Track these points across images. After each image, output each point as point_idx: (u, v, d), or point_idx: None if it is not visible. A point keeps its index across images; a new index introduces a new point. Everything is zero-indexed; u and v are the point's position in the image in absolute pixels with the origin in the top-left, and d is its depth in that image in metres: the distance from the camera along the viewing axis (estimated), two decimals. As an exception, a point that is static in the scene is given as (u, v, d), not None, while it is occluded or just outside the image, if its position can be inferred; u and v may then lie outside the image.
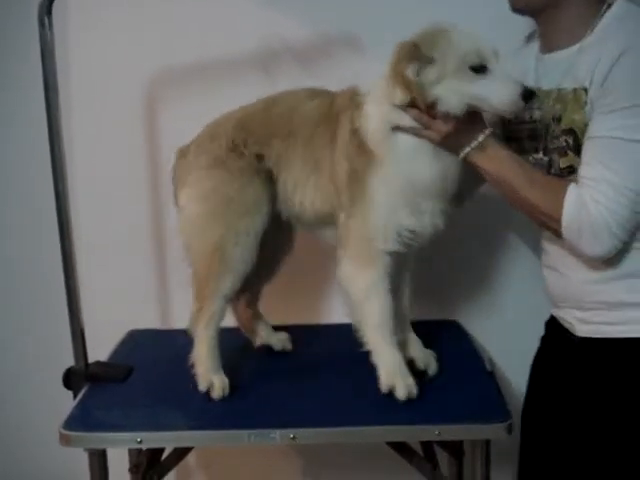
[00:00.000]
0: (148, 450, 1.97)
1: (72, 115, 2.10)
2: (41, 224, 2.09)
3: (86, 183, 2.17)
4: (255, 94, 1.92)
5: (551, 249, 1.75)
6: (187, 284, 2.27)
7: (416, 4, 2.12)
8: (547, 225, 1.62)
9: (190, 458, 2.14)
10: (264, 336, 2.05)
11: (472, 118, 1.59)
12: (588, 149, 1.56)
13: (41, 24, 1.75)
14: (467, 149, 1.60)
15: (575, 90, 1.61)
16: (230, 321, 2.04)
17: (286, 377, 1.88)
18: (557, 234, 1.59)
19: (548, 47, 1.71)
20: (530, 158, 1.74)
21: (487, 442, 1.70)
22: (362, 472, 2.38)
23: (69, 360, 1.91)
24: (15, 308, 2.36)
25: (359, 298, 1.72)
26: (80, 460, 1.74)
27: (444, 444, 2.00)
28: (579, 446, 1.69)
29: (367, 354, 1.75)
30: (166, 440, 1.73)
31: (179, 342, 2.13)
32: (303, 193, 1.77)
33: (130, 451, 2.09)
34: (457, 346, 2.03)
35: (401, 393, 1.68)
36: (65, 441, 1.64)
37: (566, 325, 1.77)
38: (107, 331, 2.12)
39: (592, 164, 1.53)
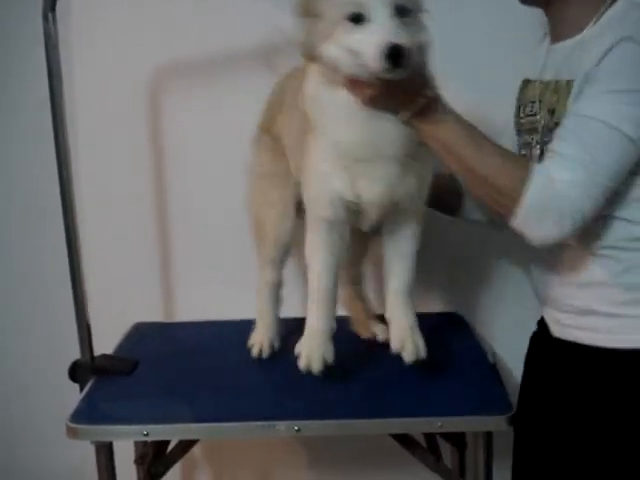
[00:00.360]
0: (154, 442, 1.99)
1: (75, 112, 2.10)
2: (45, 219, 2.10)
3: (90, 179, 2.18)
4: (258, 89, 1.94)
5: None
6: (191, 277, 2.32)
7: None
8: (499, 204, 1.48)
9: (195, 449, 2.15)
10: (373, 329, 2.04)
11: (413, 80, 1.43)
12: (568, 125, 1.46)
13: (45, 19, 1.76)
14: (407, 113, 1.46)
15: (568, 82, 1.55)
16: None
17: (290, 369, 1.89)
18: (506, 214, 1.47)
19: (555, 38, 1.68)
20: (528, 152, 1.70)
21: (489, 434, 1.71)
22: (365, 464, 2.40)
23: (74, 353, 1.93)
24: (20, 301, 2.38)
25: (306, 262, 1.72)
26: (86, 452, 1.75)
27: (447, 436, 2.02)
28: (563, 445, 1.68)
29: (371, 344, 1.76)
30: (172, 433, 1.75)
31: (184, 335, 2.18)
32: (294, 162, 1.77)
33: (136, 443, 2.10)
34: (459, 338, 2.04)
35: (302, 364, 1.67)
36: (72, 434, 1.66)
37: (548, 324, 1.78)
38: (111, 324, 2.13)
39: (569, 141, 1.43)
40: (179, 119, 2.21)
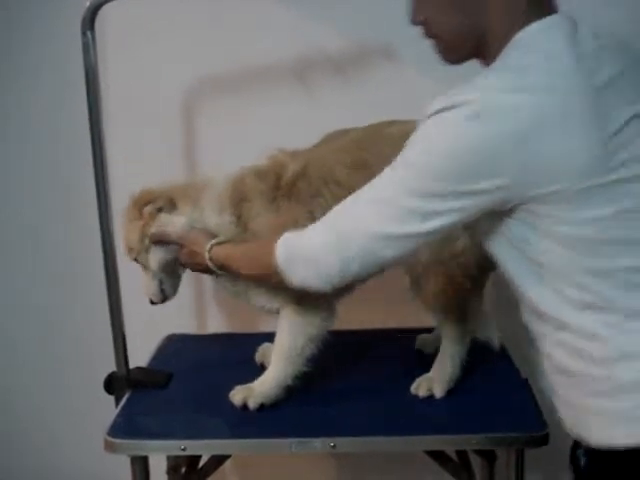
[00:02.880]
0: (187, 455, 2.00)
1: (109, 128, 2.13)
2: (83, 232, 2.13)
3: (124, 192, 2.19)
4: (292, 104, 1.95)
5: None
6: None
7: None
8: (275, 279, 1.51)
9: (226, 462, 2.16)
10: None
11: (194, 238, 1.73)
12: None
13: (84, 35, 1.79)
14: (206, 263, 1.69)
15: None
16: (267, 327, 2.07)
17: (325, 384, 1.91)
18: (283, 281, 1.49)
19: None
20: None
21: (521, 449, 1.71)
22: (396, 477, 2.40)
23: (106, 365, 1.96)
24: (55, 312, 2.40)
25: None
26: (119, 461, 1.78)
27: (478, 450, 2.02)
28: None
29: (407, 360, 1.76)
30: (210, 448, 1.77)
31: (217, 347, 2.19)
32: None
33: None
34: (492, 355, 2.04)
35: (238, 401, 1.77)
36: (110, 448, 1.68)
37: None
38: (142, 335, 2.14)
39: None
40: (213, 133, 2.23)
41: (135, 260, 1.84)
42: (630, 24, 2.11)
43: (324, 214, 1.58)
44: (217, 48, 2.18)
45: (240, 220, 1.76)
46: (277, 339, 1.83)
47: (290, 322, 1.80)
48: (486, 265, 1.82)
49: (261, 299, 1.83)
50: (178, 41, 2.19)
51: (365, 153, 1.76)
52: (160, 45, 2.19)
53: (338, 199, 1.63)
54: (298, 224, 1.67)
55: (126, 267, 1.99)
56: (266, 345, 2.03)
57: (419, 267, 1.82)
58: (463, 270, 1.81)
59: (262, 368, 1.92)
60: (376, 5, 2.13)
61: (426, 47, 2.12)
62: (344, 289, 1.74)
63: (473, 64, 2.12)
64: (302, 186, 1.75)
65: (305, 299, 1.75)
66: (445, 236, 1.56)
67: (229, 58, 2.18)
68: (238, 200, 1.77)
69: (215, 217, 1.77)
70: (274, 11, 2.14)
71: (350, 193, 1.59)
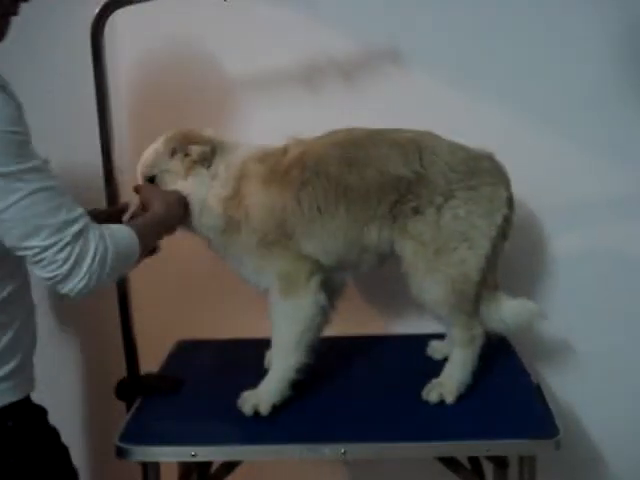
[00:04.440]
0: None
1: (121, 131, 2.14)
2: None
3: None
4: (299, 108, 1.96)
5: None
6: (234, 293, 2.33)
7: (461, 19, 2.14)
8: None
9: (237, 468, 2.16)
10: None
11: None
12: None
13: (93, 42, 1.80)
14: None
15: None
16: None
17: (336, 390, 1.91)
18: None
19: None
20: None
21: (534, 455, 1.70)
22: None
23: (117, 371, 1.96)
24: (65, 317, 2.40)
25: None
26: (130, 467, 1.78)
27: (490, 456, 2.01)
28: None
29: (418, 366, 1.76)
30: (220, 454, 1.77)
31: (227, 353, 2.19)
32: None
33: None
34: (503, 360, 2.03)
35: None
36: (121, 454, 1.69)
37: None
38: (153, 341, 2.15)
39: None
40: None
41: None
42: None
43: (310, 203, 1.78)
44: (225, 52, 2.18)
45: (237, 195, 1.82)
46: (272, 333, 1.86)
47: (279, 311, 1.85)
48: (491, 270, 1.86)
49: (245, 271, 1.89)
50: (186, 48, 2.20)
51: (359, 152, 1.82)
52: (168, 51, 2.20)
53: (325, 190, 1.79)
54: (286, 209, 1.80)
55: (137, 272, 1.99)
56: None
57: (418, 276, 1.84)
58: (464, 278, 1.82)
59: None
60: (383, 10, 2.14)
61: (434, 52, 2.15)
62: (322, 270, 1.84)
63: (472, 71, 2.15)
64: (295, 173, 1.81)
65: (286, 279, 1.83)
66: (439, 247, 1.78)
67: (238, 62, 2.18)
68: (240, 177, 1.83)
69: (219, 188, 1.84)
70: (282, 16, 2.15)
71: (337, 187, 1.78)
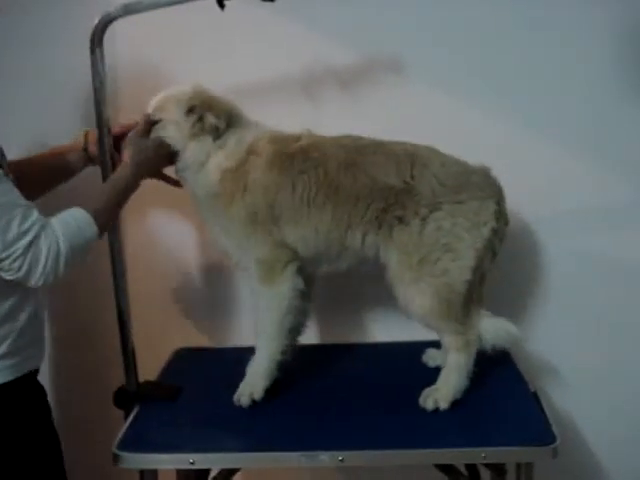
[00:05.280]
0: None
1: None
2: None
3: (132, 203, 2.21)
4: (298, 118, 1.96)
5: None
6: (233, 302, 2.34)
7: (460, 29, 2.15)
8: None
9: (235, 475, 2.16)
10: None
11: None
12: None
13: (92, 53, 1.80)
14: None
15: None
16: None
17: (332, 397, 1.91)
18: None
19: None
20: None
21: (531, 462, 1.71)
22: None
23: (115, 379, 1.96)
24: (64, 325, 2.41)
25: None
26: (128, 475, 1.79)
27: (488, 464, 2.01)
28: None
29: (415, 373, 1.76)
30: (218, 461, 1.77)
31: (226, 361, 2.19)
32: None
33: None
34: (501, 367, 2.03)
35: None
36: (119, 462, 1.69)
37: None
38: (152, 349, 2.15)
39: None
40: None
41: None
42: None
43: (302, 192, 1.85)
44: (224, 62, 2.19)
45: (240, 168, 1.87)
46: (256, 320, 1.94)
47: (259, 298, 1.92)
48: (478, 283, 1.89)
49: (229, 244, 1.93)
50: (186, 55, 2.20)
51: (360, 157, 1.87)
52: (168, 60, 2.21)
53: (319, 184, 1.85)
54: (279, 192, 1.86)
55: (136, 280, 2.00)
56: None
57: (403, 285, 1.85)
58: (449, 289, 1.83)
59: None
60: (383, 20, 2.15)
61: (433, 62, 2.16)
62: (299, 260, 1.90)
63: (471, 80, 2.16)
64: (297, 161, 1.87)
65: (264, 265, 1.89)
66: (422, 257, 1.82)
67: (237, 72, 2.19)
68: (248, 152, 1.88)
69: (223, 158, 1.88)
70: (281, 25, 2.15)
71: (330, 184, 1.84)
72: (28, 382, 1.70)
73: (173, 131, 1.89)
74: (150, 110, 1.91)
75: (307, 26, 2.16)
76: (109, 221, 1.78)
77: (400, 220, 1.84)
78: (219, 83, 2.14)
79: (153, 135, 1.89)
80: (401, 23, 2.17)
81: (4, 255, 1.52)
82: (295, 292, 1.89)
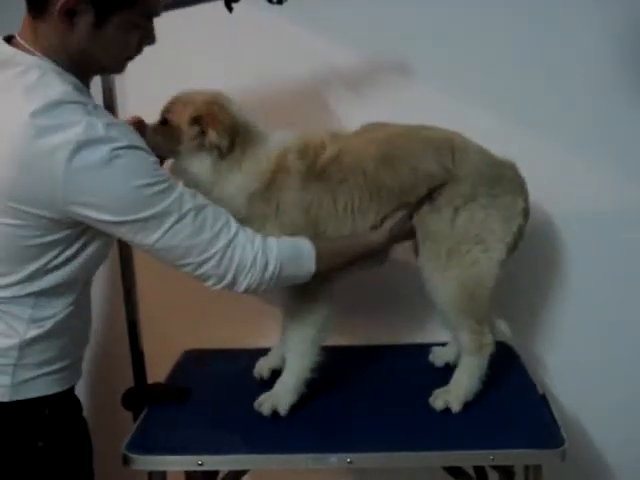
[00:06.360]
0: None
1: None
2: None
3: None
4: (305, 120, 1.96)
5: None
6: (241, 304, 2.34)
7: (466, 31, 2.15)
8: None
9: (244, 477, 2.17)
10: None
11: None
12: None
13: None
14: None
15: None
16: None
17: (340, 399, 1.91)
18: None
19: None
20: None
21: (539, 465, 1.71)
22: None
23: (124, 380, 1.97)
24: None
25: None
26: (137, 476, 1.79)
27: (496, 466, 2.01)
28: None
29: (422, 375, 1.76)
30: (226, 463, 1.77)
31: (234, 363, 2.19)
32: None
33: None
34: (508, 369, 2.04)
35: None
36: (128, 463, 1.70)
37: None
38: (160, 351, 2.16)
39: None
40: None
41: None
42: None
43: (345, 202, 1.77)
44: (231, 65, 2.19)
45: (269, 189, 1.77)
46: (287, 336, 1.89)
47: (295, 312, 1.86)
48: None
49: None
50: (193, 57, 2.20)
51: (395, 150, 1.80)
52: (174, 62, 2.21)
53: (361, 189, 1.78)
54: (322, 206, 1.78)
55: (144, 283, 2.01)
56: (263, 359, 2.09)
57: (429, 274, 1.84)
58: (476, 281, 1.82)
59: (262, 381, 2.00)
60: (390, 22, 2.15)
61: (439, 64, 2.16)
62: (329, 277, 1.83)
63: (477, 81, 2.15)
64: (333, 171, 1.78)
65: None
66: (451, 246, 1.79)
67: (243, 75, 2.19)
68: (276, 170, 1.77)
69: (248, 182, 1.77)
70: (288, 28, 2.16)
71: (374, 185, 1.77)
72: (72, 395, 1.66)
73: (172, 139, 1.76)
74: (161, 108, 1.83)
75: (314, 28, 2.16)
76: (328, 269, 1.72)
77: (432, 206, 1.81)
78: (225, 85, 2.15)
79: (152, 138, 1.75)
80: (409, 25, 2.17)
81: (203, 257, 1.50)
82: (331, 309, 1.86)
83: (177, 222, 1.45)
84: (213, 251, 1.50)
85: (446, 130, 1.86)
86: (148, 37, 1.52)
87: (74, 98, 1.37)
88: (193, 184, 1.74)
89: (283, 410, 1.81)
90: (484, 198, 1.81)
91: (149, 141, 1.73)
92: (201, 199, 1.52)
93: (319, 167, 1.78)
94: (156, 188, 1.41)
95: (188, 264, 1.51)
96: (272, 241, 1.60)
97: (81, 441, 1.67)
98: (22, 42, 1.43)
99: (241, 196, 1.76)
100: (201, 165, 1.76)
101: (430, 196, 1.81)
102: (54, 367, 1.55)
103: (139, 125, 1.80)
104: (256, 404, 1.83)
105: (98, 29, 1.40)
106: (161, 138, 1.78)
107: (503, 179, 1.83)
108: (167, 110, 1.81)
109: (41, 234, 1.41)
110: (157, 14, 1.52)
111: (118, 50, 1.48)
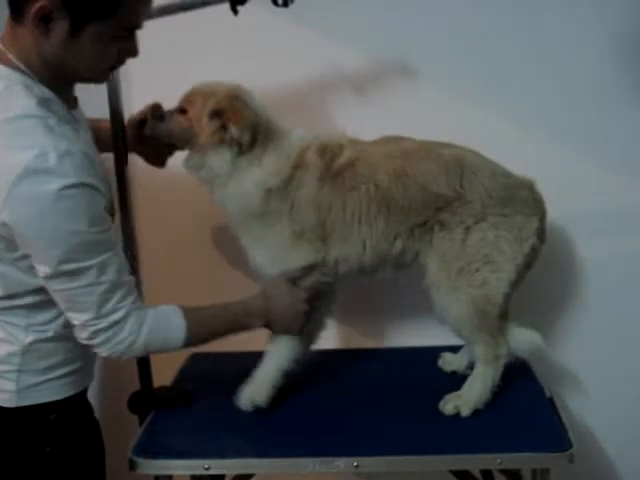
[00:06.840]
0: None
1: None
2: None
3: (147, 205, 2.21)
4: (309, 122, 1.96)
5: None
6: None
7: (469, 32, 2.15)
8: None
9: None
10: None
11: None
12: None
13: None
14: None
15: None
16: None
17: (347, 403, 1.91)
18: None
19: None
20: None
21: (547, 469, 1.70)
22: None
23: (130, 384, 1.96)
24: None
25: None
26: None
27: (503, 470, 2.00)
28: None
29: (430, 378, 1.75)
30: (233, 467, 1.76)
31: (240, 366, 2.17)
32: None
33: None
34: (516, 373, 2.02)
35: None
36: (134, 467, 1.69)
37: None
38: (166, 354, 2.15)
39: None
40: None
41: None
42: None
43: (353, 209, 1.78)
44: (234, 67, 2.18)
45: (287, 185, 1.78)
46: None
47: None
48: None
49: (263, 257, 1.86)
50: (198, 61, 2.20)
51: (408, 166, 1.81)
52: (179, 65, 2.21)
53: (370, 200, 1.79)
54: (331, 210, 1.79)
55: (151, 285, 2.00)
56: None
57: (439, 294, 1.84)
58: (486, 300, 1.82)
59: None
60: (394, 23, 2.15)
61: (444, 65, 2.16)
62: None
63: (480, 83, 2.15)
64: (347, 176, 1.80)
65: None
66: (461, 266, 1.80)
67: (247, 77, 2.18)
68: (296, 166, 1.79)
69: (267, 178, 1.78)
70: (292, 30, 2.15)
71: (383, 198, 1.78)
72: (83, 398, 1.67)
73: (187, 129, 1.78)
74: (180, 99, 1.82)
75: (320, 30, 2.16)
76: (201, 342, 1.72)
77: (442, 226, 1.82)
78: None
79: (169, 125, 1.80)
80: (413, 26, 2.17)
81: (92, 323, 1.47)
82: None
83: (87, 286, 1.42)
84: (101, 324, 1.48)
85: (460, 148, 1.87)
86: (128, 50, 1.49)
87: (34, 112, 1.36)
88: (209, 177, 1.81)
89: (261, 401, 1.83)
90: (494, 217, 1.81)
91: (166, 128, 1.78)
92: (125, 275, 1.50)
93: (335, 169, 1.80)
94: (91, 238, 1.39)
95: (74, 318, 1.48)
96: (149, 315, 1.57)
97: (92, 444, 1.67)
98: (1, 46, 1.42)
99: (258, 192, 1.77)
100: (220, 159, 1.77)
101: (438, 216, 1.81)
102: (61, 372, 1.56)
103: (158, 111, 1.81)
104: (238, 402, 1.84)
105: (74, 38, 1.38)
106: (178, 128, 1.80)
107: (515, 199, 1.83)
108: (186, 100, 1.81)
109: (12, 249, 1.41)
110: (138, 27, 1.48)
111: (95, 61, 1.45)
